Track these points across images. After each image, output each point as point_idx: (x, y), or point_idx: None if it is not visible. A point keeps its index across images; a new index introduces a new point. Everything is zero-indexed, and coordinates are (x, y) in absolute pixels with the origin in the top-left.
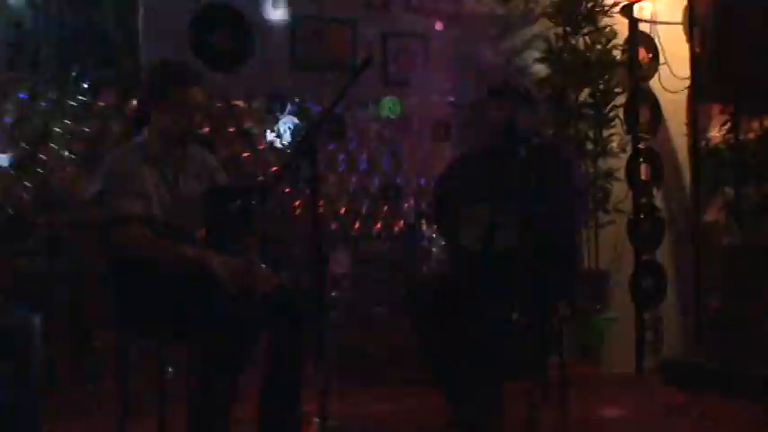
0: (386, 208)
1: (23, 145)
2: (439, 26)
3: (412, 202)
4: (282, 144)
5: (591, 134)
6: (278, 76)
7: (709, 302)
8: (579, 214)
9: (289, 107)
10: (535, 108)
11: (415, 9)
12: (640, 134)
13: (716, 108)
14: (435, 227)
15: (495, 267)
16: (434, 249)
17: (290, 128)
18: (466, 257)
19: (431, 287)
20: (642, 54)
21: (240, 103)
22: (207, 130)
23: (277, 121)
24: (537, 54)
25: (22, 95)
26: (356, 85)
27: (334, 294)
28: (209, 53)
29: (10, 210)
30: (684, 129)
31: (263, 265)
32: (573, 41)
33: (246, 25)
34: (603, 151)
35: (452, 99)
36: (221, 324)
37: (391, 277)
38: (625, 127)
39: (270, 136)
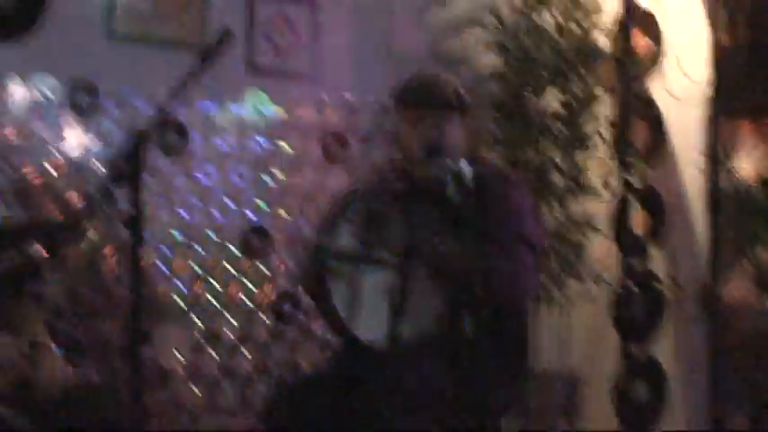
0: (247, 265)
1: None
2: None
3: (286, 255)
4: (91, 158)
5: (558, 160)
6: (85, 52)
7: (730, 417)
8: (531, 282)
9: (101, 101)
10: (473, 118)
11: None
12: (633, 162)
13: (747, 126)
14: (313, 303)
15: (404, 368)
16: (319, 332)
17: (101, 134)
18: (360, 354)
19: (307, 400)
20: (639, 41)
21: (23, 90)
22: None
23: (82, 122)
24: (482, 36)
25: None
26: (207, 72)
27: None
28: None
29: None
30: (699, 156)
31: (55, 350)
32: (536, 18)
33: None
34: (577, 186)
35: (350, 98)
36: None
37: (250, 376)
38: (611, 151)
39: (70, 144)
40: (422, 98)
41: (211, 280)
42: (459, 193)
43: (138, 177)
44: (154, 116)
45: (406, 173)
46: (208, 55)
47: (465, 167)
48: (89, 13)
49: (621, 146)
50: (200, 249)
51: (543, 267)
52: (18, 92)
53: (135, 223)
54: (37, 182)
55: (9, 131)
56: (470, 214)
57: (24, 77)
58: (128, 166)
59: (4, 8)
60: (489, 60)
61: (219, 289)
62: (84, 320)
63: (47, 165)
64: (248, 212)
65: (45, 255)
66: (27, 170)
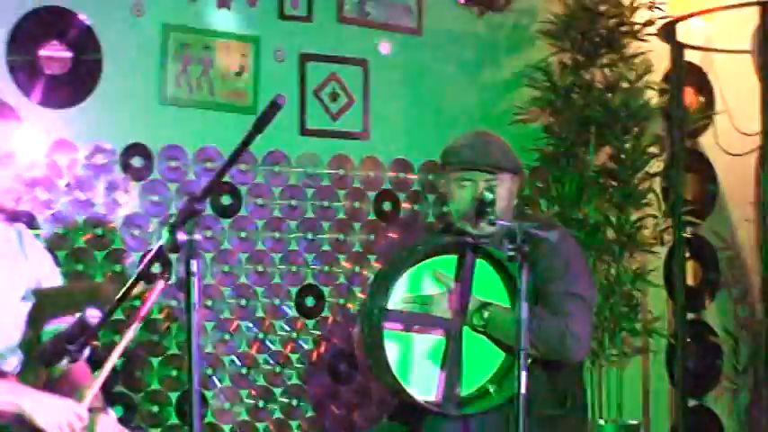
0: (300, 323)
1: None
2: (386, 49)
3: (340, 314)
4: (144, 222)
5: (612, 216)
6: (139, 117)
7: None
8: (584, 338)
9: (154, 165)
10: (519, 177)
11: (350, 21)
12: (687, 218)
13: None
14: (369, 362)
15: (460, 427)
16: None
17: (156, 197)
18: (416, 413)
19: None
20: (690, 97)
21: (78, 156)
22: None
23: (137, 185)
24: (533, 94)
25: None
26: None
27: None
28: (33, 71)
29: None
30: (752, 211)
31: (109, 412)
32: (587, 76)
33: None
34: (631, 242)
35: (403, 158)
36: None
37: None
38: (663, 206)
39: (124, 209)
40: (470, 159)
41: (267, 340)
42: (511, 251)
43: (192, 241)
44: (212, 180)
45: (458, 232)
46: (261, 122)
47: (516, 225)
48: (142, 80)
49: (674, 200)
50: (254, 309)
51: (597, 322)
52: (74, 156)
53: (189, 286)
54: (92, 245)
55: (65, 196)
56: (522, 271)
57: (80, 142)
58: (182, 230)
59: (62, 76)
60: (540, 117)
61: (274, 349)
62: (140, 382)
63: (102, 228)
64: (302, 271)
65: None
66: (82, 236)
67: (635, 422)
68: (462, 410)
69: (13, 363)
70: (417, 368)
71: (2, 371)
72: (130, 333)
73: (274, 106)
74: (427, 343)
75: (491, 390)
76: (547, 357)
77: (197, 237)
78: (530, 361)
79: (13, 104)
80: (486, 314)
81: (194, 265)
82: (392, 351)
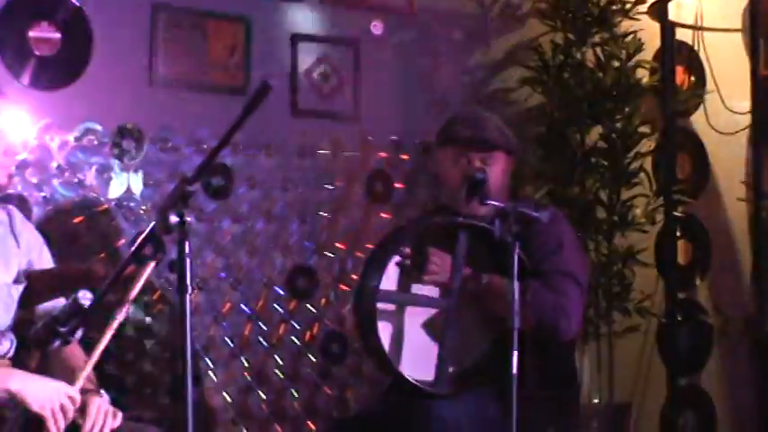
0: (292, 304)
1: None
2: (377, 28)
3: (333, 295)
4: (135, 204)
5: (604, 195)
6: (129, 98)
7: None
8: (576, 317)
9: (145, 146)
10: (516, 156)
11: (341, 2)
12: (678, 197)
13: None
14: (361, 342)
15: (452, 406)
16: (367, 371)
17: (147, 179)
18: (408, 393)
19: None
20: (681, 76)
21: (69, 138)
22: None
23: (128, 167)
24: (524, 73)
25: None
26: (251, 118)
27: None
28: (22, 53)
29: None
30: (743, 189)
31: (102, 394)
32: (578, 55)
33: (81, 18)
34: (622, 221)
35: (395, 138)
36: None
37: (298, 416)
38: (655, 186)
39: (115, 190)
40: (465, 136)
41: (259, 322)
42: (504, 230)
43: (184, 223)
44: (204, 162)
45: (450, 211)
46: (251, 105)
47: (508, 204)
48: (133, 61)
49: (665, 180)
50: (247, 290)
51: (589, 302)
52: (64, 138)
53: (181, 267)
54: (83, 227)
55: (56, 178)
56: (515, 251)
57: (70, 124)
58: (174, 212)
59: (51, 57)
60: (532, 97)
61: (267, 330)
62: (128, 364)
63: (93, 210)
64: (294, 253)
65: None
66: (74, 217)
67: (626, 402)
68: (454, 389)
69: (6, 346)
70: (410, 348)
71: None
72: (121, 315)
73: (263, 89)
74: (420, 323)
75: (483, 369)
76: (539, 332)
77: (188, 218)
78: (521, 341)
79: (1, 86)
80: (484, 279)
81: (186, 247)
82: (385, 331)
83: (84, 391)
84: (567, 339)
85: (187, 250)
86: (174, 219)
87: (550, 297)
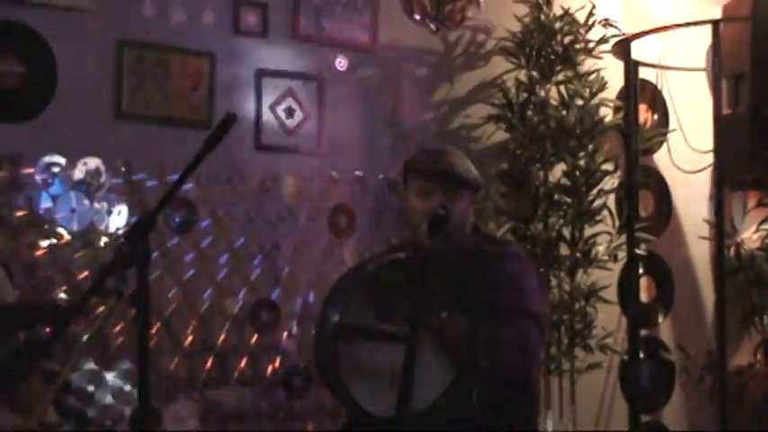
0: (255, 338)
1: None
2: (342, 65)
3: (295, 328)
4: (98, 236)
5: (567, 232)
6: (93, 130)
7: None
8: (535, 354)
9: (109, 179)
10: (478, 193)
11: (306, 38)
12: (641, 234)
13: (753, 197)
14: (323, 376)
15: None
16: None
17: (111, 211)
18: (370, 427)
19: None
20: (644, 114)
21: (32, 170)
22: None
23: (91, 199)
24: (488, 110)
25: None
26: (214, 152)
27: None
28: None
29: None
30: (706, 227)
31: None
32: (542, 93)
33: (46, 52)
34: (585, 258)
35: (359, 173)
36: None
37: None
38: (618, 223)
39: (78, 223)
40: (430, 170)
41: (221, 354)
42: (463, 266)
43: (146, 256)
44: (165, 195)
45: (413, 246)
46: (212, 139)
47: (469, 240)
48: (97, 93)
49: (628, 217)
50: (209, 323)
51: (550, 338)
52: (28, 170)
53: (142, 301)
54: (46, 260)
55: (19, 210)
56: (474, 287)
57: (34, 156)
58: (136, 246)
59: (15, 91)
60: (496, 134)
61: (229, 363)
62: (94, 396)
63: (56, 242)
64: (257, 286)
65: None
66: (36, 249)
67: None
68: (417, 426)
69: None
70: (372, 383)
71: None
72: (81, 347)
73: (228, 120)
74: (382, 357)
75: (445, 405)
76: (498, 371)
77: (150, 250)
78: (482, 375)
79: None
80: (443, 314)
81: (146, 279)
82: (347, 365)
83: (43, 424)
84: (525, 378)
85: (147, 284)
86: (135, 250)
87: (508, 336)
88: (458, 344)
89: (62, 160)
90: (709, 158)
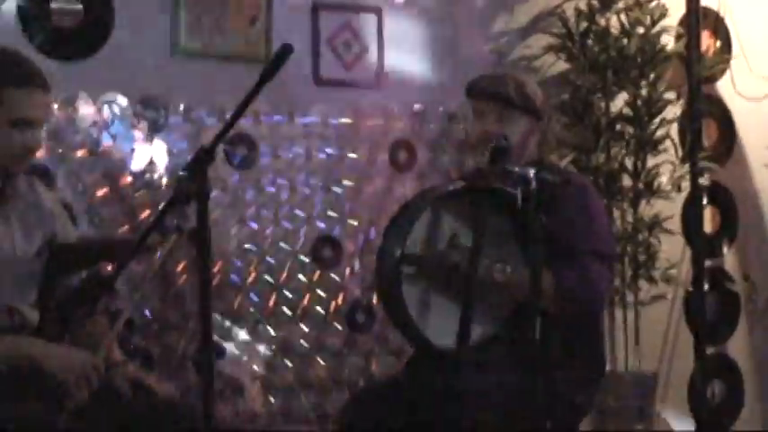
0: (317, 274)
1: None
2: None
3: (357, 264)
4: (159, 175)
5: (629, 163)
6: (151, 68)
7: None
8: (601, 290)
9: (168, 117)
10: (541, 123)
11: None
12: (704, 164)
13: None
14: (385, 310)
15: (475, 374)
16: (392, 339)
17: (171, 150)
18: (433, 359)
19: (381, 407)
20: (707, 41)
21: (91, 110)
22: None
23: (151, 138)
24: (548, 40)
25: None
26: (272, 86)
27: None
28: (43, 31)
29: None
30: None
31: (127, 363)
32: (602, 21)
33: None
34: (648, 189)
35: (419, 107)
36: None
37: (324, 385)
38: (680, 153)
39: (139, 162)
40: (481, 88)
41: (284, 291)
42: (527, 199)
43: (205, 193)
44: (221, 131)
45: (473, 178)
46: (269, 71)
47: (532, 172)
48: (154, 32)
49: (691, 147)
50: (272, 261)
51: (615, 272)
52: (87, 110)
53: (203, 238)
54: (108, 199)
55: (79, 149)
56: (538, 220)
57: (92, 95)
58: (195, 183)
59: (73, 29)
60: (556, 64)
61: (292, 299)
62: (158, 335)
63: (117, 181)
64: (318, 222)
65: (114, 271)
66: (97, 189)
67: (653, 371)
68: (478, 357)
69: (30, 317)
70: (434, 314)
71: (19, 326)
72: (146, 285)
73: (281, 55)
74: (443, 288)
75: (505, 337)
76: (564, 310)
77: (209, 185)
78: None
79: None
80: (507, 268)
81: (207, 216)
82: (409, 297)
83: (108, 362)
84: (594, 314)
85: (208, 220)
86: (194, 188)
87: (575, 275)
88: (521, 294)
89: (121, 99)
90: None
